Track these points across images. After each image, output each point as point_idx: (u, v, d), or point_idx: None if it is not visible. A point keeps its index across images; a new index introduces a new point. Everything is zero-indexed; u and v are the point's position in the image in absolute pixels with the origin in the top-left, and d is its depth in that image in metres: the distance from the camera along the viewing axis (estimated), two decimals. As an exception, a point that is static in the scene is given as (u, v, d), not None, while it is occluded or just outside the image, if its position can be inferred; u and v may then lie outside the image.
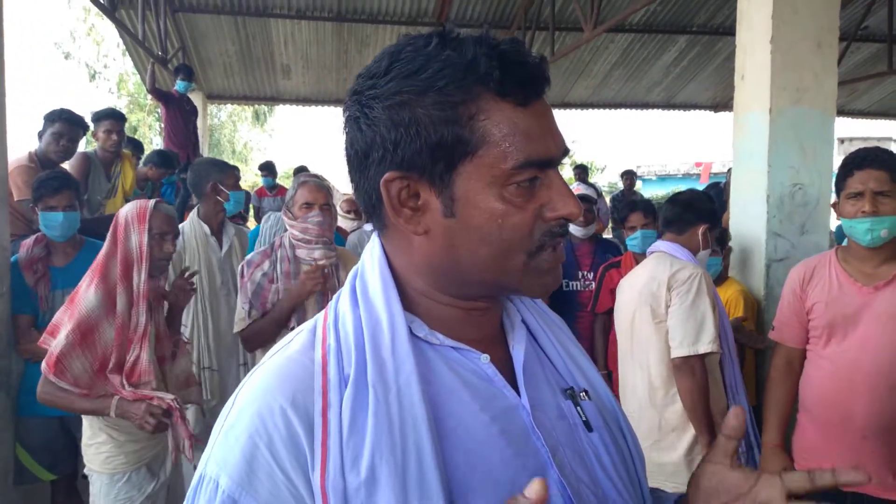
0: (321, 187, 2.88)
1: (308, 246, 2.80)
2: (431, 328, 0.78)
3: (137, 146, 6.02)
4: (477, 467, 0.71)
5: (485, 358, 0.79)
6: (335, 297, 0.82)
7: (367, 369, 0.72)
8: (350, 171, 0.80)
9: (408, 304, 0.79)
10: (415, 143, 0.72)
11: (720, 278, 3.31)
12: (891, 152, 2.23)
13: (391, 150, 0.73)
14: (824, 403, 2.27)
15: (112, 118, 4.75)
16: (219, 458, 0.70)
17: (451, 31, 0.74)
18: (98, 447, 2.43)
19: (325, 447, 0.68)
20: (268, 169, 9.10)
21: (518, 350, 0.83)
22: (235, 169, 3.67)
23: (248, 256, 2.91)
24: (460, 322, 0.80)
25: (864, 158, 2.18)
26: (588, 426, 0.83)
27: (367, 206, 0.79)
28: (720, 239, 3.29)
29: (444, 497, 0.67)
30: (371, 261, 0.81)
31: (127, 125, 5.13)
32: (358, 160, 0.77)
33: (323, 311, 0.81)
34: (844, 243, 2.36)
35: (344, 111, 0.79)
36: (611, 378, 3.69)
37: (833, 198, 2.36)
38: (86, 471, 2.48)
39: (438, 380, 0.75)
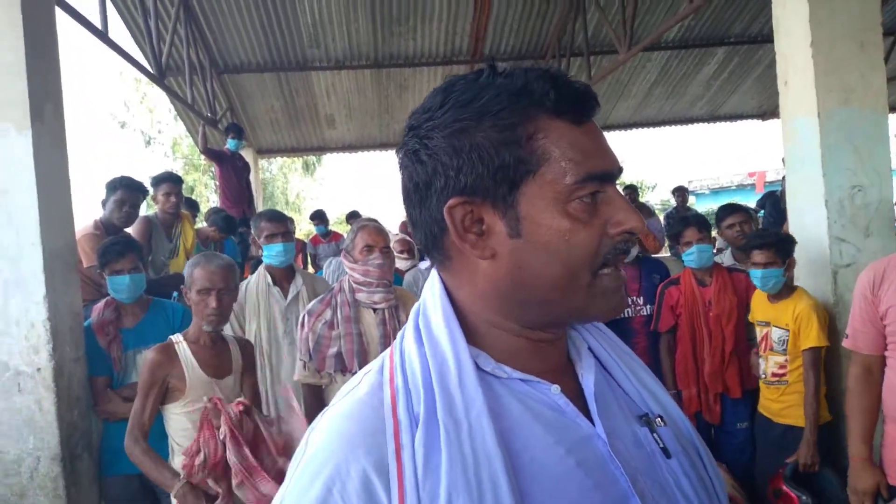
0: (380, 231, 2.94)
1: (369, 289, 2.84)
2: (498, 361, 0.77)
3: (194, 205, 6.24)
4: (553, 500, 0.70)
5: (555, 388, 0.78)
6: (399, 335, 0.82)
7: (437, 407, 0.71)
8: (408, 207, 0.81)
9: (472, 338, 0.78)
10: (476, 167, 0.73)
11: (786, 290, 3.21)
12: None
13: (453, 176, 0.74)
14: (910, 411, 2.17)
15: (170, 181, 4.95)
16: (293, 501, 0.70)
17: (496, 64, 0.77)
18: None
19: (402, 490, 0.67)
20: (319, 217, 9.31)
21: (588, 378, 0.82)
22: (275, 221, 3.56)
23: (310, 306, 2.95)
24: (527, 353, 0.79)
25: None
26: (666, 453, 0.81)
27: (428, 238, 0.80)
28: (785, 249, 3.19)
29: None
30: (432, 297, 0.81)
31: (184, 186, 5.32)
32: (418, 193, 0.77)
33: (388, 351, 0.81)
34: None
35: (400, 148, 0.80)
36: (680, 398, 3.63)
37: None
38: None
39: (509, 414, 0.74)
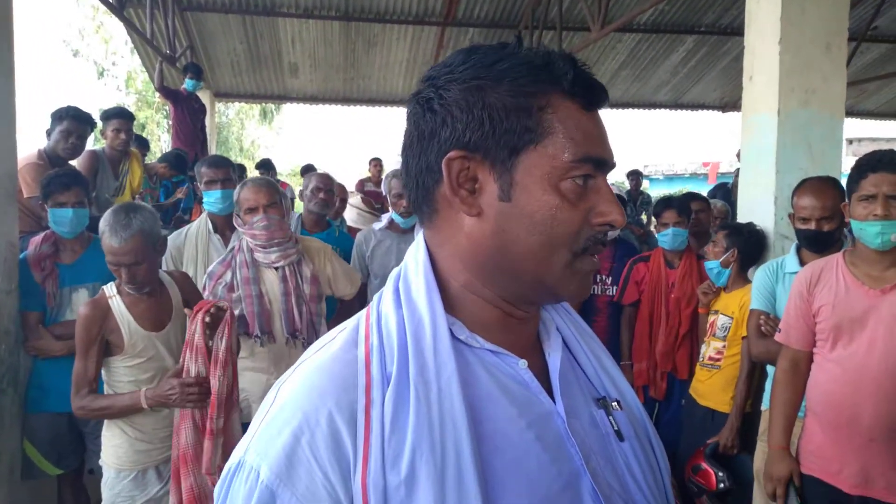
0: (260, 189, 2.85)
1: (264, 249, 2.79)
2: (472, 331, 0.80)
3: (144, 144, 6.05)
4: (513, 471, 0.73)
5: (523, 363, 0.80)
6: (377, 297, 0.83)
7: (409, 368, 0.73)
8: (407, 155, 0.82)
9: (450, 305, 0.80)
10: (484, 125, 0.75)
11: (741, 281, 3.31)
12: None
13: (460, 130, 0.76)
14: (831, 406, 2.26)
15: (121, 117, 4.78)
16: (260, 449, 0.71)
17: (522, 40, 0.81)
18: (110, 440, 2.47)
19: (368, 444, 0.69)
20: (265, 166, 8.96)
21: (554, 357, 0.84)
22: (214, 167, 3.44)
23: (210, 268, 2.89)
24: (499, 326, 0.81)
25: (879, 161, 2.16)
26: (619, 435, 0.84)
27: (419, 189, 0.81)
28: (730, 241, 3.29)
29: (482, 498, 0.68)
30: (415, 263, 0.82)
31: (135, 123, 5.14)
32: (421, 141, 0.79)
33: (365, 311, 0.82)
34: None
35: (413, 96, 0.81)
36: (632, 370, 3.77)
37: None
38: (100, 461, 2.51)
39: (477, 382, 0.76)
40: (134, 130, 5.06)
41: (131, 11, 7.94)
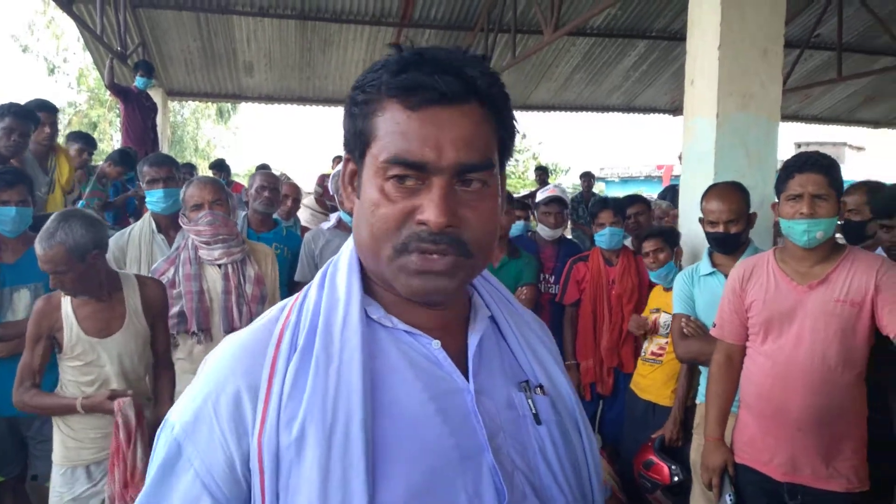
0: (206, 184, 2.87)
1: (207, 246, 2.80)
2: (389, 313, 0.85)
3: (91, 143, 5.87)
4: (406, 439, 0.78)
5: (436, 343, 0.85)
6: (310, 283, 0.89)
7: (316, 342, 0.80)
8: None
9: (372, 290, 0.87)
10: (348, 130, 0.84)
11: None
12: (830, 158, 2.32)
13: (345, 136, 0.85)
14: (762, 397, 2.36)
15: (44, 110, 4.52)
16: (178, 409, 0.81)
17: (400, 45, 0.83)
18: (54, 434, 2.52)
19: (266, 408, 0.76)
20: (219, 167, 8.83)
21: (473, 339, 0.88)
22: (156, 165, 3.37)
23: (155, 265, 2.90)
24: (415, 310, 0.86)
25: (805, 162, 2.27)
26: (537, 419, 0.87)
27: None
28: (672, 241, 3.40)
29: (365, 459, 0.74)
30: (346, 250, 0.89)
31: (87, 121, 5.04)
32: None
33: (297, 293, 0.89)
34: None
35: None
36: (578, 369, 3.82)
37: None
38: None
39: (385, 357, 0.82)
40: (85, 130, 4.93)
41: (81, 7, 7.76)
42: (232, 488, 0.76)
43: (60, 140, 5.69)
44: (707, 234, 2.94)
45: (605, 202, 3.91)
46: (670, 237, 3.44)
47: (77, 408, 2.35)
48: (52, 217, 2.39)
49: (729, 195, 2.87)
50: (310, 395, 0.76)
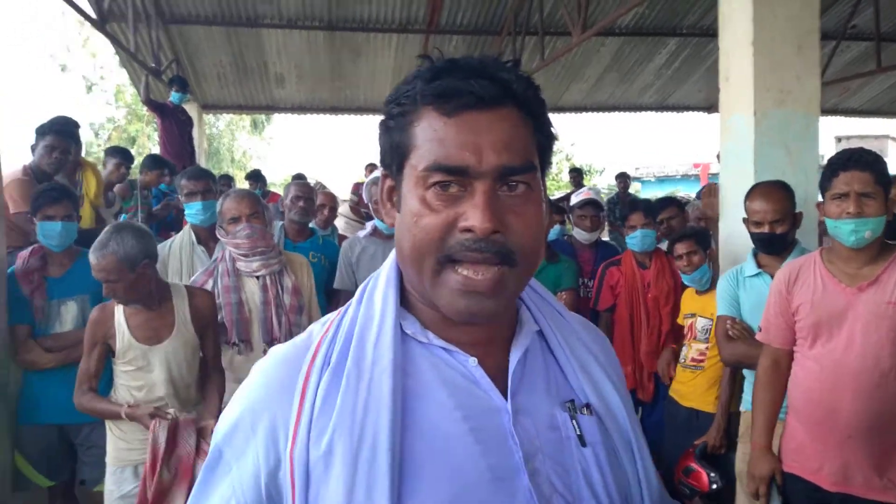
0: (243, 199, 2.90)
1: (246, 259, 2.83)
2: (426, 328, 0.84)
3: (126, 156, 5.82)
4: (436, 457, 0.76)
5: (473, 361, 0.83)
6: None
7: (348, 358, 0.80)
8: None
9: (410, 304, 0.86)
10: (385, 145, 0.84)
11: (713, 283, 3.33)
12: (875, 154, 2.25)
13: (381, 152, 0.85)
14: (811, 403, 2.29)
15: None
16: (223, 417, 0.84)
17: (430, 56, 0.84)
18: (107, 435, 2.65)
19: (298, 422, 0.77)
20: (255, 178, 8.95)
21: (514, 355, 0.85)
22: (194, 179, 3.44)
23: (194, 277, 2.95)
24: (451, 326, 0.83)
25: (849, 160, 2.19)
26: (581, 441, 0.84)
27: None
28: (705, 243, 3.34)
29: (391, 476, 0.73)
30: (387, 263, 0.89)
31: (125, 136, 5.10)
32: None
33: (342, 307, 0.90)
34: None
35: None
36: None
37: (818, 198, 2.38)
38: None
39: (418, 374, 0.81)
40: (124, 145, 4.98)
41: (115, 26, 7.93)
42: (254, 501, 0.79)
43: (98, 156, 5.75)
44: (752, 234, 2.88)
45: (636, 204, 3.88)
46: (703, 239, 3.37)
47: (121, 415, 2.48)
48: (105, 229, 2.55)
49: (774, 194, 2.80)
50: (339, 409, 0.76)
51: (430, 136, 0.77)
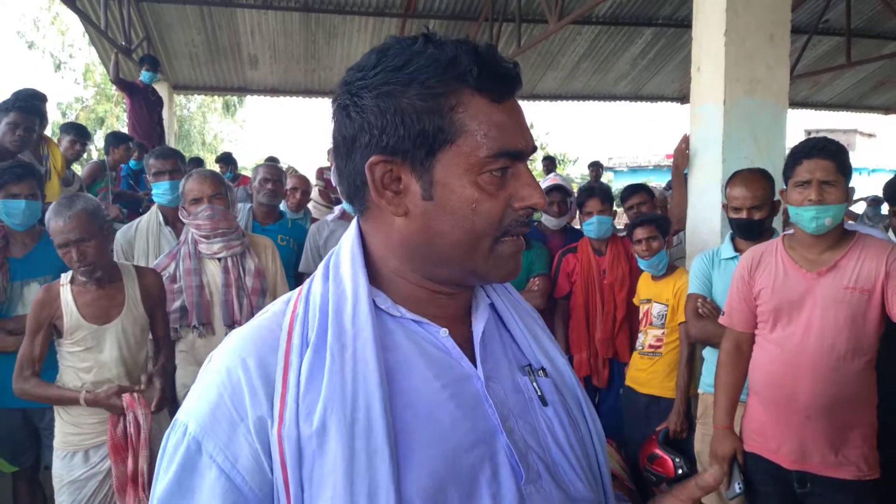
0: (206, 178, 2.87)
1: (206, 241, 2.81)
2: (396, 303, 0.85)
3: (81, 132, 5.59)
4: (424, 425, 0.78)
5: (444, 332, 0.86)
6: (311, 276, 0.88)
7: (328, 334, 0.79)
8: (336, 157, 0.86)
9: (376, 281, 0.86)
10: (399, 130, 0.78)
11: (669, 268, 3.38)
12: (838, 143, 2.29)
13: (377, 136, 0.79)
14: (771, 385, 2.34)
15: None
16: (189, 406, 0.79)
17: (434, 33, 0.82)
18: (55, 420, 2.59)
19: (283, 402, 0.76)
20: (225, 161, 8.79)
21: (477, 327, 0.90)
22: (161, 158, 3.42)
23: (157, 260, 2.92)
24: (425, 301, 0.87)
25: (813, 148, 2.24)
26: (543, 401, 0.90)
27: (350, 189, 0.86)
28: (665, 229, 3.37)
29: (389, 446, 0.74)
30: (346, 241, 0.88)
31: (94, 116, 5.01)
32: (345, 146, 0.83)
33: (299, 287, 0.88)
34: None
35: (334, 101, 0.85)
36: (571, 363, 3.75)
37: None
38: None
39: (396, 347, 0.83)
40: (92, 125, 4.90)
41: (85, 2, 7.78)
42: (259, 480, 0.75)
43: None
44: (730, 220, 2.92)
45: (592, 190, 3.79)
46: (663, 225, 3.39)
47: (80, 402, 2.42)
48: (54, 202, 2.48)
49: (754, 182, 2.84)
50: (328, 385, 0.76)
51: (486, 122, 0.79)
